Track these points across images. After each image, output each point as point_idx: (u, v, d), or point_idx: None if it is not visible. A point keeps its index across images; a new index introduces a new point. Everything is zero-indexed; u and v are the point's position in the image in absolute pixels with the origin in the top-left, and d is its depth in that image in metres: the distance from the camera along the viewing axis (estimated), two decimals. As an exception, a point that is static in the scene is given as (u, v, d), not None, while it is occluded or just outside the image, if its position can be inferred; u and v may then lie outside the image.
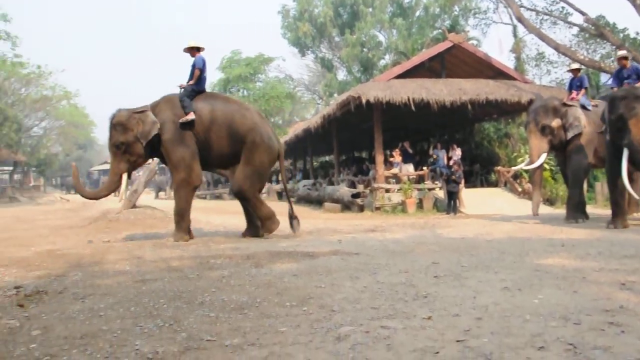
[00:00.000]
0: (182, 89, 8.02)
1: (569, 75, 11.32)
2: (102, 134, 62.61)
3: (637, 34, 22.60)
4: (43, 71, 34.13)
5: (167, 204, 19.22)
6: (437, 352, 2.59)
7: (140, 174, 13.73)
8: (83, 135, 49.76)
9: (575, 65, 11.45)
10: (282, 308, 3.55)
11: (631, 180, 8.23)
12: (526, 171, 14.89)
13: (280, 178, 27.37)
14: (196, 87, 8.04)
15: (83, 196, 8.44)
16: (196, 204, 25.17)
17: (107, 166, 62.51)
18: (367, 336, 2.87)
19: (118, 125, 7.82)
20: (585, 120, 9.38)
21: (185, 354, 2.69)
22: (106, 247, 7.35)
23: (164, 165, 9.70)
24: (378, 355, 2.59)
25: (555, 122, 9.48)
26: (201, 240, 8.00)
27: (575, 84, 10.20)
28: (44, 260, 6.10)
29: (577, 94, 9.98)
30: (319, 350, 2.68)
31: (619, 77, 9.23)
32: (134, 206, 11.32)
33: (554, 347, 2.59)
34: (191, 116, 7.70)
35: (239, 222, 11.46)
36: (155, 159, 9.43)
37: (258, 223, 8.34)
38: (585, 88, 10.26)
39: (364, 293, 3.93)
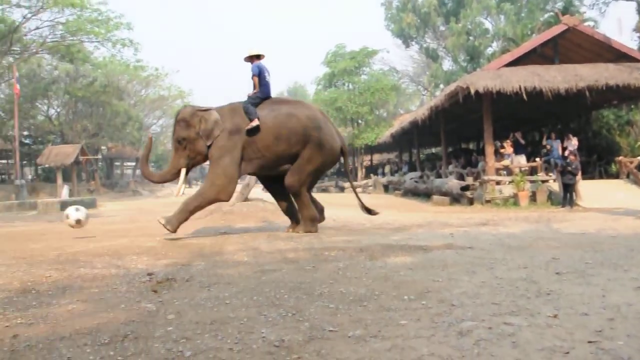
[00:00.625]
0: (247, 99, 8.08)
1: None
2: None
3: None
4: (160, 73, 36.49)
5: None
6: (567, 353, 2.50)
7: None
8: (197, 132, 52.40)
9: None
10: (400, 301, 3.57)
11: None
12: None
13: (385, 171, 27.28)
14: (260, 94, 8.09)
15: (144, 175, 8.51)
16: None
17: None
18: (490, 332, 2.82)
19: (181, 121, 7.98)
20: None
21: (309, 343, 2.78)
22: (224, 238, 7.71)
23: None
24: (504, 352, 2.54)
25: None
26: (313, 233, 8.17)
27: None
28: (169, 250, 6.53)
29: None
30: (442, 345, 2.68)
31: None
32: (246, 199, 11.78)
33: (701, 352, 2.43)
34: (255, 122, 7.74)
35: (349, 214, 11.61)
36: None
37: (298, 219, 8.37)
38: None
39: (482, 288, 3.85)
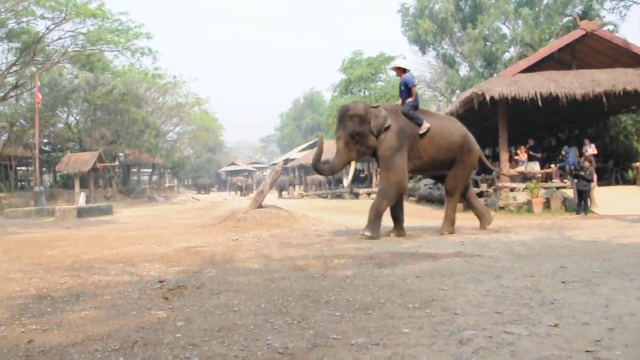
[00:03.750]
0: (405, 105, 8.69)
1: None
2: (229, 137, 65.73)
3: None
4: (178, 80, 36.88)
5: (290, 204, 19.96)
6: (565, 362, 2.55)
7: (265, 175, 14.32)
8: (212, 139, 52.79)
9: None
10: (405, 309, 3.63)
11: None
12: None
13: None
14: (415, 102, 8.76)
15: (317, 169, 8.82)
16: (317, 203, 25.81)
17: (234, 167, 65.67)
18: (490, 341, 2.87)
19: (355, 116, 8.31)
20: None
21: (313, 351, 2.85)
22: (236, 245, 7.81)
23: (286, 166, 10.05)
24: (501, 361, 2.60)
25: None
26: (324, 240, 8.24)
27: None
28: (182, 257, 6.64)
29: None
30: (441, 353, 2.74)
31: None
32: (260, 206, 11.85)
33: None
34: (427, 124, 8.49)
35: (362, 221, 11.66)
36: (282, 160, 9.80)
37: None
38: None
39: (487, 297, 3.90)
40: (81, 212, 17.00)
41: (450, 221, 8.98)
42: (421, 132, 8.45)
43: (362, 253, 6.50)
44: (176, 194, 40.09)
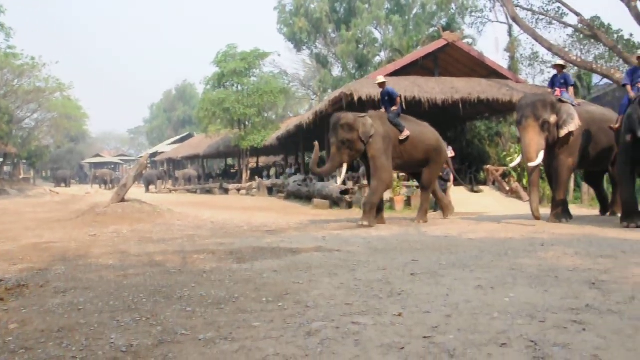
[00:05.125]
0: (391, 113, 10.07)
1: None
2: (94, 127, 62.05)
3: (631, 35, 22.73)
4: (37, 63, 33.82)
5: (157, 198, 19.27)
6: (403, 348, 2.66)
7: (130, 168, 13.72)
8: (75, 128, 49.28)
9: (559, 61, 11.36)
10: (258, 303, 3.62)
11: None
12: (514, 170, 14.98)
13: (270, 174, 27.64)
14: (398, 110, 10.21)
15: (315, 172, 11.05)
16: (186, 198, 25.22)
17: (99, 159, 62.11)
18: (337, 332, 2.94)
19: (345, 125, 9.51)
20: (577, 118, 9.10)
21: (158, 347, 2.76)
22: (92, 241, 7.39)
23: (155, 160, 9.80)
24: (345, 350, 2.67)
25: (553, 118, 9.10)
26: (187, 235, 8.05)
27: (559, 81, 9.93)
28: (28, 254, 6.15)
29: (563, 91, 9.82)
30: (289, 345, 2.76)
31: (633, 75, 9.14)
32: (123, 200, 11.29)
33: (516, 344, 2.67)
34: (407, 132, 9.84)
35: (228, 217, 11.56)
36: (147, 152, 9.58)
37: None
38: (572, 85, 10.01)
39: (340, 290, 4.00)
40: None
41: (424, 211, 10.36)
42: (402, 138, 9.80)
43: (223, 248, 6.42)
44: (32, 187, 37.08)
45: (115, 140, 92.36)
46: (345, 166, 10.10)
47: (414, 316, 3.23)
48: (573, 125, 9.07)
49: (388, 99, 10.39)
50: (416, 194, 14.31)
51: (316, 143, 10.34)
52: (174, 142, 50.89)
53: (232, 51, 28.29)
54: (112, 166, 59.33)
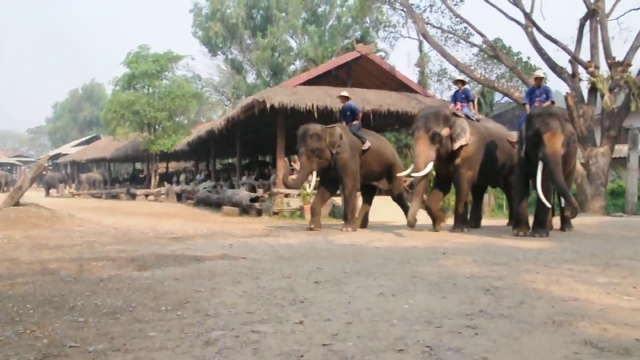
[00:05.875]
0: (353, 126, 10.80)
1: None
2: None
3: (529, 58, 24.29)
4: None
5: (58, 203, 18.29)
6: (302, 356, 2.64)
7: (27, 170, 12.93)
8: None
9: (460, 77, 11.97)
10: (156, 312, 3.48)
11: (547, 191, 8.77)
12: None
13: (180, 180, 27.28)
14: (359, 125, 11.00)
15: (287, 186, 11.26)
16: (90, 203, 24.13)
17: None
18: (236, 340, 2.87)
19: (314, 135, 9.94)
20: (469, 132, 9.49)
21: (42, 362, 2.57)
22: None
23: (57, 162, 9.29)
24: (243, 359, 2.61)
25: (445, 131, 9.37)
26: (87, 241, 7.66)
27: (460, 96, 10.46)
28: None
29: (464, 105, 10.32)
30: (185, 355, 2.66)
31: (531, 95, 9.83)
32: (18, 204, 10.57)
33: (413, 349, 2.72)
34: (369, 143, 10.58)
35: (132, 223, 11.13)
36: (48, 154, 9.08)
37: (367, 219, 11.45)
38: (472, 101, 10.56)
39: (242, 298, 3.92)
40: None
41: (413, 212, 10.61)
42: (364, 148, 10.52)
43: (124, 255, 6.15)
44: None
45: (12, 139, 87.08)
46: (314, 174, 10.43)
47: (315, 324, 3.21)
48: (464, 139, 9.45)
49: (350, 113, 11.07)
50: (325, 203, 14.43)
51: (285, 159, 11.00)
52: (79, 144, 48.65)
53: (144, 52, 27.45)
54: (9, 167, 55.68)
